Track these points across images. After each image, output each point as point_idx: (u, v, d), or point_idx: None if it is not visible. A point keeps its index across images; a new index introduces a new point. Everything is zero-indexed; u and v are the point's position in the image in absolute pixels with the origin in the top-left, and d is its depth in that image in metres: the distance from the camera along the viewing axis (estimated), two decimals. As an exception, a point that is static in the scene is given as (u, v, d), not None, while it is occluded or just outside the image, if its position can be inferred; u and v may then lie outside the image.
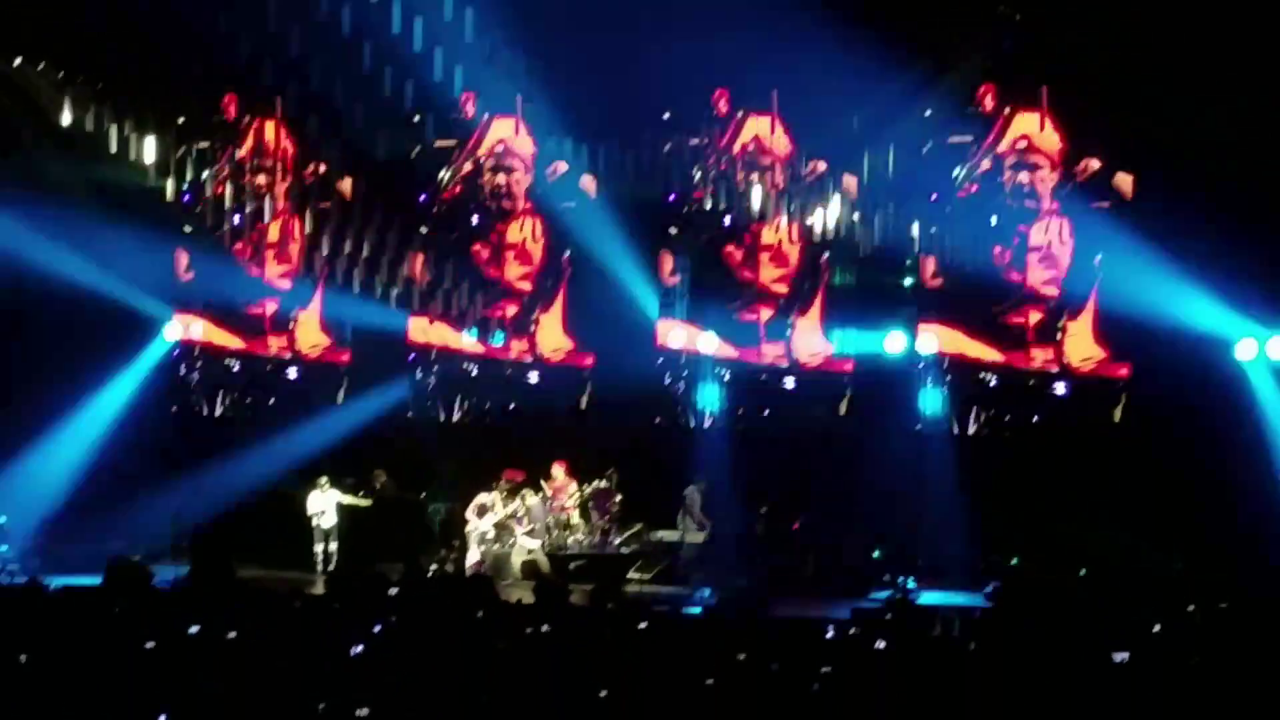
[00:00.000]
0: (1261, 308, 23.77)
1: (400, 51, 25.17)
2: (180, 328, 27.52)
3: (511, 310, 27.47)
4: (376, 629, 17.38)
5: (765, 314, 26.80)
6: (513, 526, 24.32)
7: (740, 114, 26.48)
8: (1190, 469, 23.38)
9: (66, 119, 26.33)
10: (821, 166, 26.05)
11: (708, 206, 26.43)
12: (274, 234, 26.62)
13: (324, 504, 24.53)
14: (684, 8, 24.53)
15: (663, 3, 24.59)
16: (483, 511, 24.53)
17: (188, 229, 27.59)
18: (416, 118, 26.44)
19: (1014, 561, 23.62)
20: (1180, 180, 24.04)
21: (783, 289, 26.76)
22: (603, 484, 24.66)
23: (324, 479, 24.99)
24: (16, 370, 26.13)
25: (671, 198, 26.52)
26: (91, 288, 26.64)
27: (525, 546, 24.07)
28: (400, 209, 26.91)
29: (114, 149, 25.95)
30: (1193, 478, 23.28)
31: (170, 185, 25.99)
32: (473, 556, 24.17)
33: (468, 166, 27.73)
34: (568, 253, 27.44)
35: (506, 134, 27.41)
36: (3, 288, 26.15)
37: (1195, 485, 23.19)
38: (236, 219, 26.42)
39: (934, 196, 25.87)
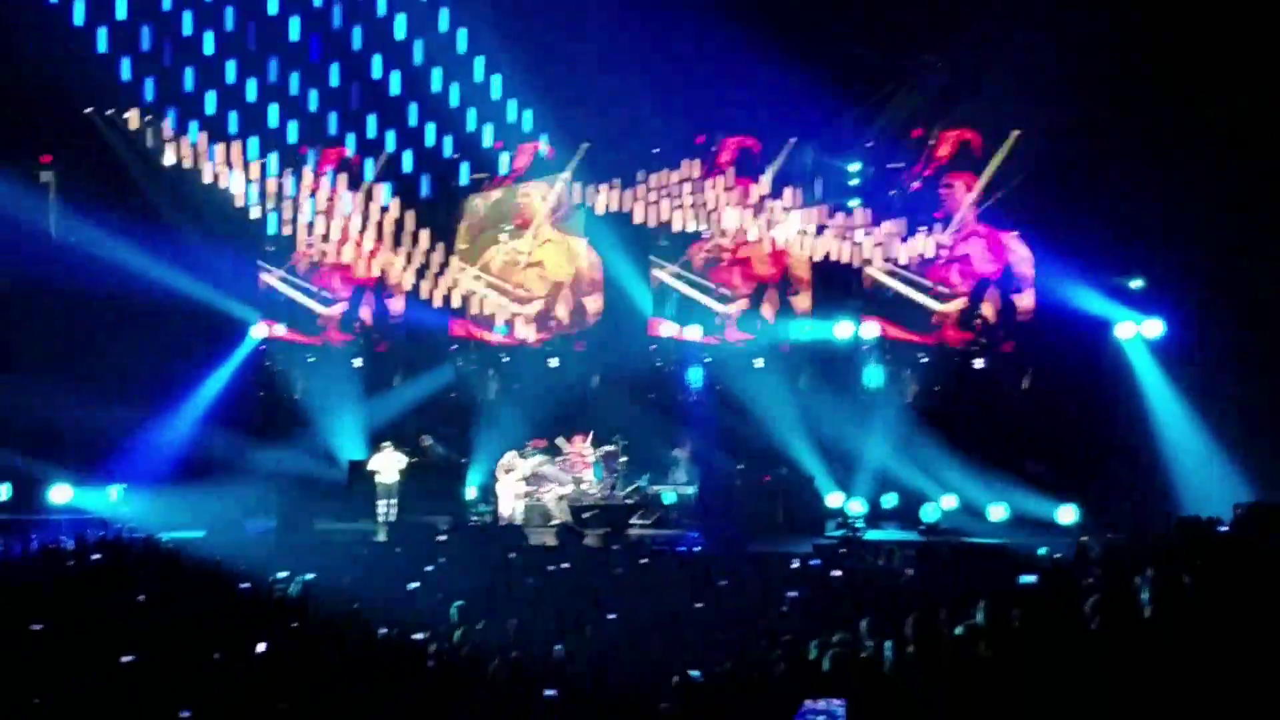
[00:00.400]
0: (1135, 299, 24.04)
1: (442, 106, 25.35)
2: (265, 328, 27.59)
3: (536, 308, 27.57)
4: (428, 569, 17.52)
5: (736, 309, 26.86)
6: (537, 484, 24.38)
7: (716, 149, 26.52)
8: (1082, 423, 23.64)
9: (170, 160, 26.34)
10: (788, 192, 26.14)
11: (691, 227, 26.40)
12: (345, 254, 26.57)
13: (386, 466, 24.54)
14: (673, 62, 24.65)
15: (654, 57, 24.67)
16: (509, 471, 24.60)
17: (271, 249, 27.64)
18: (456, 155, 26.47)
19: (939, 505, 23.72)
20: (1073, 202, 24.24)
21: (749, 289, 26.84)
22: (611, 447, 24.69)
23: (386, 445, 25.01)
24: (136, 364, 26.10)
25: (663, 218, 26.40)
26: (193, 296, 26.80)
27: (547, 500, 24.15)
28: (444, 232, 26.88)
29: (210, 183, 25.96)
30: (1083, 430, 23.53)
31: (256, 213, 25.93)
32: (505, 509, 24.21)
33: (496, 194, 27.83)
34: (582, 263, 27.54)
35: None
36: (126, 300, 26.27)
37: (1085, 436, 23.43)
38: (311, 241, 26.34)
39: (872, 212, 25.93)
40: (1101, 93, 23.18)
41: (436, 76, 25.02)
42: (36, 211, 28.21)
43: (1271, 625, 7.44)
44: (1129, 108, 23.63)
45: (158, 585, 17.32)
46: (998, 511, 23.17)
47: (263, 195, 26.00)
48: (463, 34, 24.46)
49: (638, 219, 26.77)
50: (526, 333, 27.57)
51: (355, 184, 26.48)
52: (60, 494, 24.34)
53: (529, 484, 24.46)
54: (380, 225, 25.96)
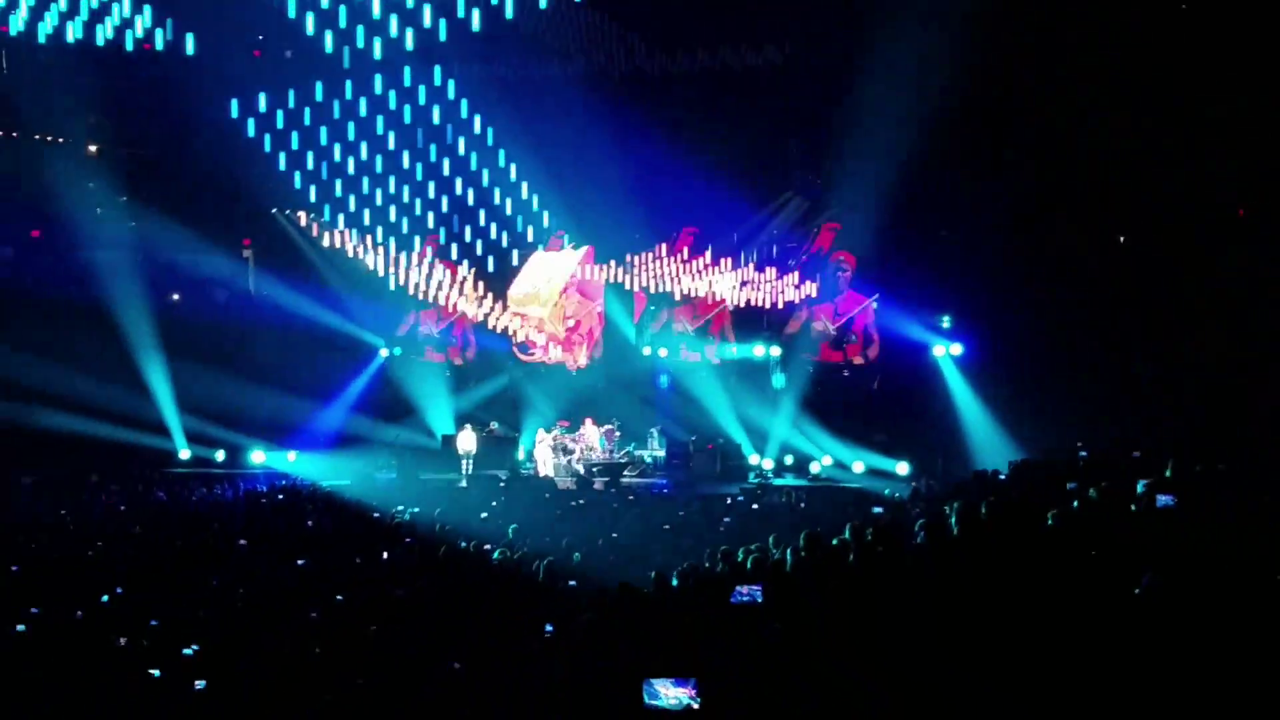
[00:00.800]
0: (944, 332, 24.12)
1: (501, 210, 25.54)
2: (386, 350, 27.58)
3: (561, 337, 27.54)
4: (493, 504, 17.50)
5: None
6: (562, 450, 24.32)
7: (676, 236, 26.52)
8: (910, 410, 23.70)
9: (326, 242, 26.28)
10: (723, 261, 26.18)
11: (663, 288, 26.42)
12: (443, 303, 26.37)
13: (466, 439, 24.44)
14: (650, 176, 24.68)
15: (639, 175, 24.71)
16: (543, 442, 24.58)
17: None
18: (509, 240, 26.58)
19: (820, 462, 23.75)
20: (905, 273, 24.35)
21: (699, 324, 26.84)
22: (610, 426, 24.66)
23: (466, 425, 24.92)
24: (308, 373, 26.02)
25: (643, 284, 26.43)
26: (342, 329, 26.82)
27: (569, 460, 24.09)
28: (500, 288, 26.76)
29: (353, 257, 25.91)
30: (912, 414, 23.57)
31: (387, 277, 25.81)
32: (541, 467, 24.15)
33: (534, 263, 27.76)
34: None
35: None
36: (300, 332, 26.26)
37: (913, 417, 23.50)
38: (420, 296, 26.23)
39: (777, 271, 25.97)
40: (921, 206, 23.33)
41: (498, 193, 25.42)
42: (241, 276, 28.24)
43: (1031, 536, 7.46)
44: (935, 216, 23.82)
45: (319, 515, 17.33)
46: (858, 466, 23.14)
47: (387, 265, 25.95)
48: (514, 167, 24.88)
49: (627, 286, 26.88)
50: (555, 353, 27.44)
51: (444, 257, 26.42)
52: (257, 457, 24.27)
53: (556, 450, 24.43)
54: (461, 284, 25.84)
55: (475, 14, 22.39)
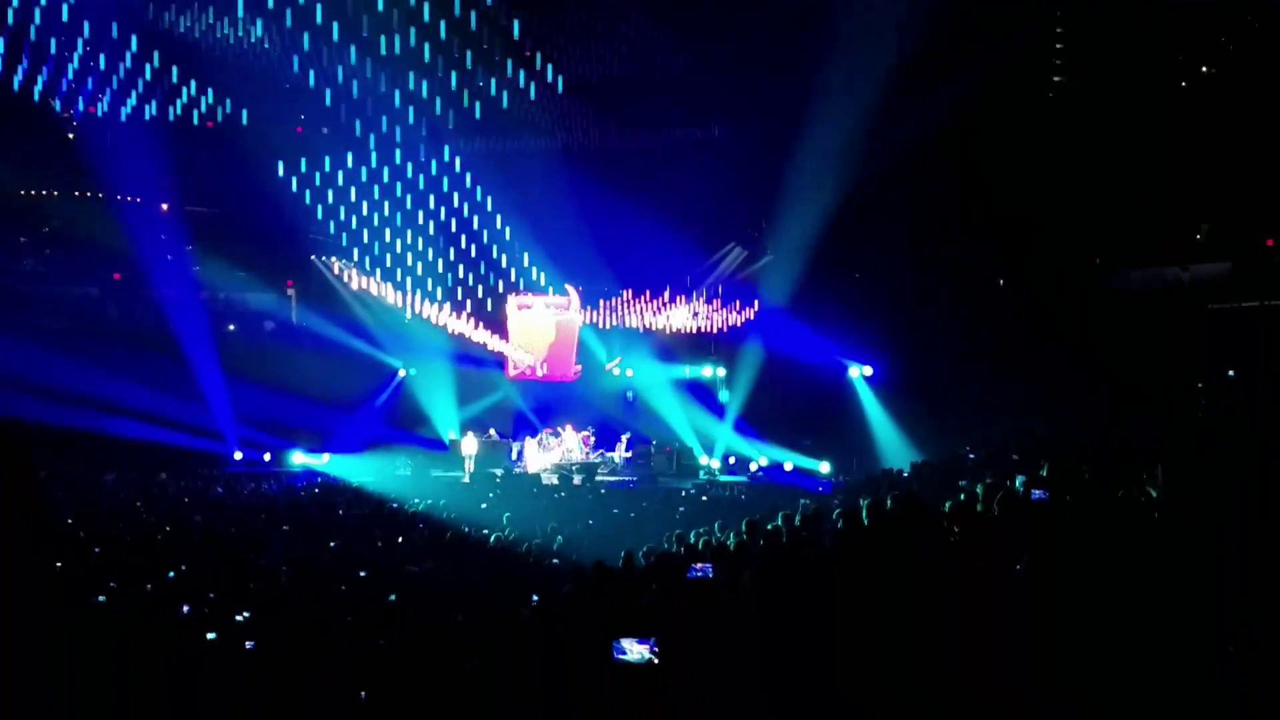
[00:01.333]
0: (858, 356, 24.16)
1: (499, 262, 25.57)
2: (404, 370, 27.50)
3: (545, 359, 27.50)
4: (490, 496, 17.43)
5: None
6: (547, 451, 24.28)
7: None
8: (831, 420, 23.72)
9: (356, 285, 26.28)
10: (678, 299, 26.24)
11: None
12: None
13: (469, 442, 24.34)
14: (619, 233, 24.74)
15: (611, 233, 24.79)
16: (530, 444, 24.57)
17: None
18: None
19: (758, 462, 23.82)
20: (828, 305, 24.41)
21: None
22: (586, 432, 24.64)
23: (469, 431, 24.87)
24: (342, 389, 26.06)
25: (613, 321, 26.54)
26: (369, 353, 26.80)
27: (552, 460, 24.05)
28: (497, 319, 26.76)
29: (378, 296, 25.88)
30: (833, 423, 23.60)
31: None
32: (530, 466, 24.10)
33: (527, 303, 27.72)
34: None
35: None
36: (335, 355, 26.22)
37: (834, 426, 23.51)
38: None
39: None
40: (838, 256, 23.44)
41: (494, 246, 25.50)
42: (285, 310, 28.15)
43: (927, 523, 7.47)
44: (849, 264, 23.94)
45: (348, 506, 17.24)
46: (788, 465, 23.19)
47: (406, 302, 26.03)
48: (507, 225, 24.93)
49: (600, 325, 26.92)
50: (542, 372, 27.41)
51: (450, 299, 26.50)
52: (297, 458, 24.16)
53: (543, 451, 24.38)
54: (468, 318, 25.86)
55: (477, 105, 22.68)
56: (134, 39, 23.33)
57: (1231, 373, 19.23)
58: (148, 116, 23.78)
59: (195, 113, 24.29)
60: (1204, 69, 23.15)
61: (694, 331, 26.46)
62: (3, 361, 20.82)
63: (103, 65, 23.25)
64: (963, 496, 9.02)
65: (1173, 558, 5.77)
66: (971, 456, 15.93)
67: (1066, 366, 20.31)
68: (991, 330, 21.97)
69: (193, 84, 23.90)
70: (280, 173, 25.28)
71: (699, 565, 6.30)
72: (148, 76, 23.44)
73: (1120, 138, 20.88)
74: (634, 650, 4.01)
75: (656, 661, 4.00)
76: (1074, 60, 22.52)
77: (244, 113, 24.33)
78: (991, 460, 14.76)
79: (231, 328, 27.09)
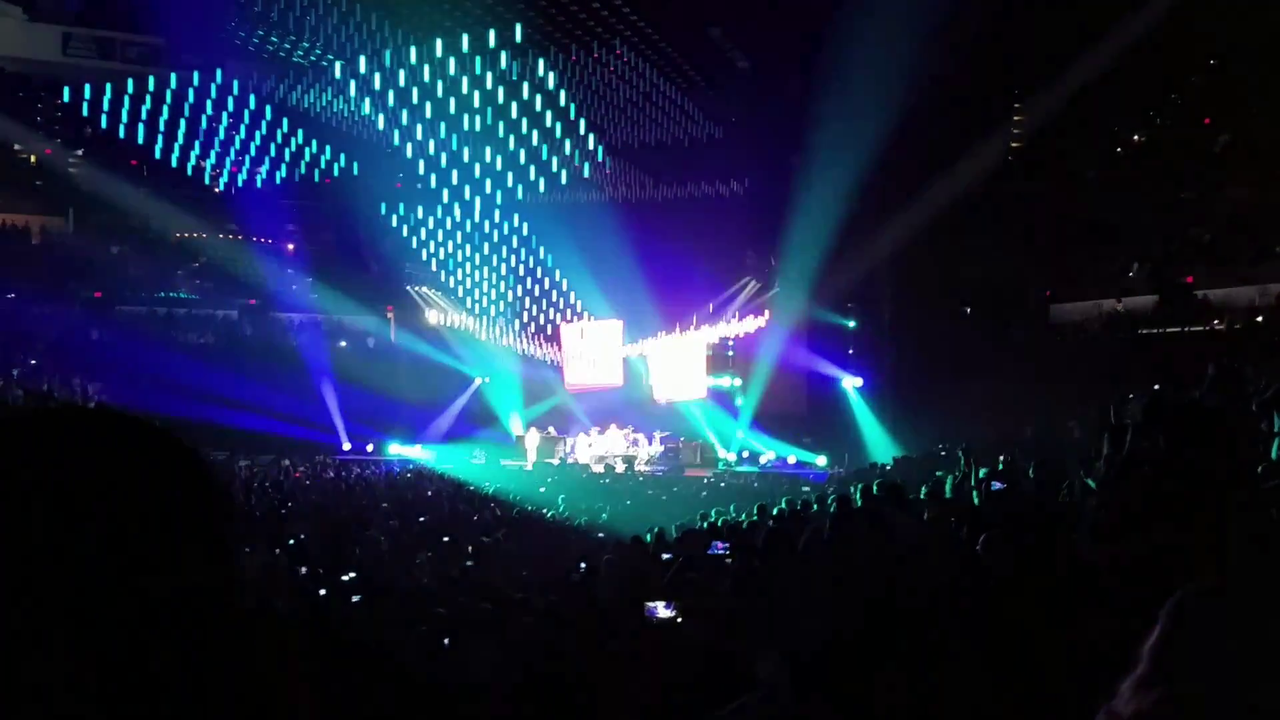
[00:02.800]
0: (849, 370, 23.97)
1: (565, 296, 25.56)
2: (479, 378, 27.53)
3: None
4: (549, 480, 17.38)
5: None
6: (595, 445, 24.21)
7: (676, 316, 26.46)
8: (827, 421, 23.49)
9: (441, 309, 26.42)
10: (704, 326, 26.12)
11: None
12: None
13: (531, 438, 24.31)
14: (659, 271, 24.73)
15: (652, 270, 24.77)
16: (580, 440, 24.48)
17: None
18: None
19: (769, 456, 23.69)
20: (826, 328, 24.28)
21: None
22: (626, 430, 24.47)
23: (532, 428, 24.86)
24: (429, 393, 26.10)
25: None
26: (450, 365, 26.87)
27: (598, 453, 23.96)
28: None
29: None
30: (829, 424, 23.36)
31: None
32: (581, 457, 24.01)
33: (582, 326, 27.68)
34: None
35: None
36: (427, 370, 26.32)
37: (829, 426, 23.24)
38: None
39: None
40: (835, 289, 23.28)
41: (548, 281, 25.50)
42: (385, 330, 28.34)
43: (906, 505, 7.39)
44: (845, 295, 23.80)
45: (437, 486, 17.29)
46: (792, 459, 23.02)
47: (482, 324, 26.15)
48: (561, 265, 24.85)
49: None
50: (592, 381, 27.41)
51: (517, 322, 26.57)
52: (394, 449, 24.26)
53: (591, 445, 24.33)
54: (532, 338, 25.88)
55: (541, 181, 23.00)
56: (268, 109, 23.77)
57: (1156, 386, 18.99)
58: (278, 180, 24.25)
59: (316, 171, 24.68)
60: (1135, 138, 23.12)
61: (714, 349, 26.29)
62: (163, 368, 21.09)
63: (242, 134, 23.69)
64: (930, 484, 8.94)
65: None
66: (943, 453, 15.75)
67: (1023, 379, 20.11)
68: (961, 349, 21.76)
69: (313, 144, 24.29)
70: (383, 209, 25.68)
71: (720, 544, 6.25)
72: (278, 140, 23.86)
73: (1067, 195, 20.91)
74: (660, 612, 4.01)
75: (678, 620, 3.99)
76: (1031, 131, 22.51)
77: (355, 165, 24.71)
78: (960, 456, 14.58)
79: (342, 343, 27.33)
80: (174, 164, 23.48)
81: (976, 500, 6.96)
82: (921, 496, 7.83)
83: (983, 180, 21.22)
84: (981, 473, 8.41)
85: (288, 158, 24.36)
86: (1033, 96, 21.95)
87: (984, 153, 21.46)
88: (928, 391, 21.16)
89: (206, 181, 24.35)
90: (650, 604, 4.07)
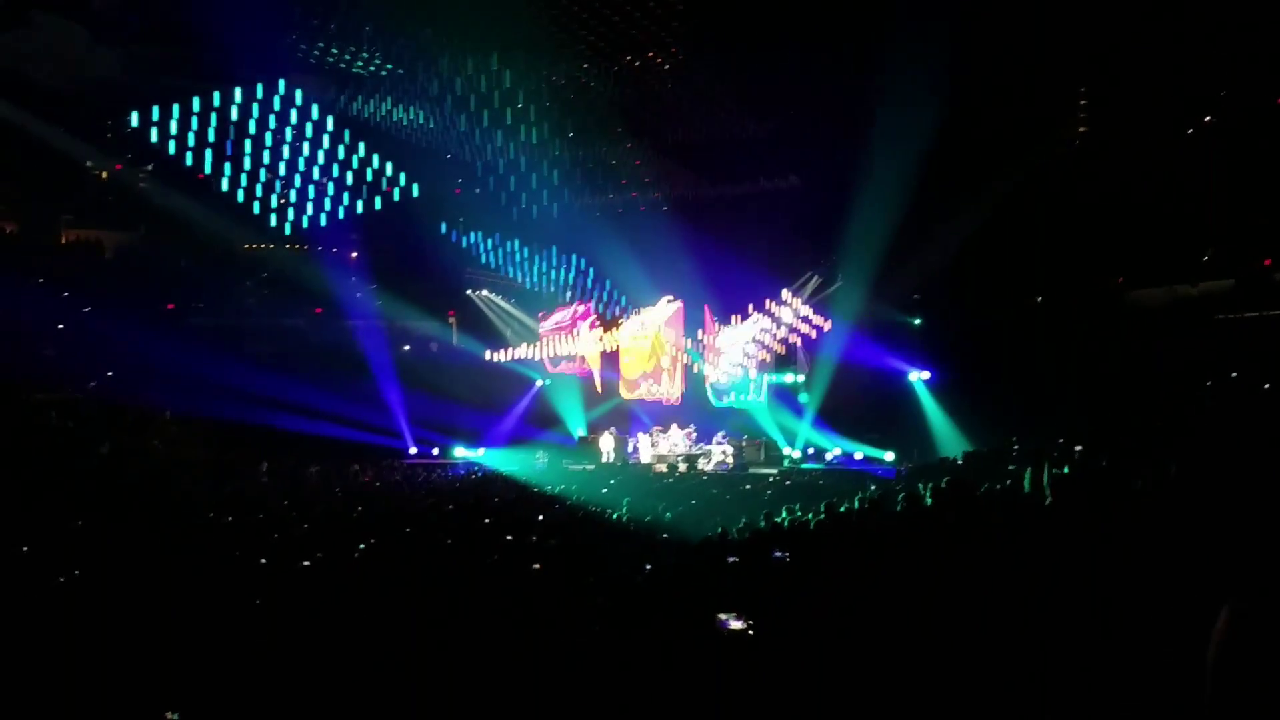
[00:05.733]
0: (916, 363, 23.60)
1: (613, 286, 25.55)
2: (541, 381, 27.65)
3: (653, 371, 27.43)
4: (611, 482, 17.38)
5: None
6: (658, 445, 24.22)
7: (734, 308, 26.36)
8: (894, 416, 23.18)
9: (502, 309, 26.57)
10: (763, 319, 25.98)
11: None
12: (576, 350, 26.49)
13: (607, 440, 24.42)
14: (718, 264, 24.64)
15: (710, 263, 24.69)
16: (642, 440, 24.49)
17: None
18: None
19: (833, 452, 23.43)
20: (891, 322, 23.97)
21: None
22: (689, 430, 24.45)
23: (607, 429, 24.93)
24: (494, 396, 26.44)
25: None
26: (512, 368, 27.04)
27: (661, 452, 23.97)
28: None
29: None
30: (896, 419, 23.06)
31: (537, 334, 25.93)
32: (643, 458, 24.06)
33: (637, 319, 27.70)
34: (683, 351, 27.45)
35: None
36: (488, 371, 26.55)
37: (897, 422, 22.95)
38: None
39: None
40: (899, 281, 22.95)
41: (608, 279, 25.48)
42: (448, 334, 28.67)
43: (975, 503, 7.24)
44: (908, 287, 23.46)
45: (502, 489, 17.40)
46: (858, 455, 22.82)
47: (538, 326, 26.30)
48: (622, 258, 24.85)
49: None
50: (654, 390, 27.38)
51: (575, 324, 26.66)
52: (459, 452, 24.54)
53: (654, 445, 24.33)
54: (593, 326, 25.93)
55: (596, 183, 23.12)
56: (329, 120, 24.18)
57: (1234, 374, 18.39)
58: (346, 202, 24.75)
59: (384, 181, 25.09)
60: (1206, 118, 22.46)
61: (778, 345, 26.13)
62: (233, 378, 21.55)
63: (306, 152, 24.16)
64: (1009, 481, 8.74)
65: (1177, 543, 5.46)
66: (1016, 447, 15.45)
67: (1094, 369, 19.67)
68: (1032, 340, 21.34)
69: (375, 159, 24.66)
70: (444, 228, 25.97)
71: (780, 552, 6.19)
72: (340, 156, 24.30)
73: (1137, 178, 20.38)
74: (734, 624, 3.97)
75: (750, 631, 3.95)
76: (1097, 112, 21.96)
77: (415, 185, 25.06)
78: (1031, 450, 14.29)
79: (406, 348, 27.72)
80: (243, 181, 24.01)
81: (1049, 497, 6.78)
82: (996, 488, 7.66)
83: (1050, 166, 20.80)
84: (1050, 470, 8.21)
85: (350, 179, 24.86)
86: (1097, 80, 21.43)
87: (1051, 138, 21.03)
88: (998, 384, 20.78)
89: (273, 209, 24.95)
90: (721, 616, 4.02)
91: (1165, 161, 20.67)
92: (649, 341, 27.02)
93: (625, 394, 27.11)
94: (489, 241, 27.03)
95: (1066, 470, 7.52)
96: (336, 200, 25.01)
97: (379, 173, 24.95)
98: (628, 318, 27.38)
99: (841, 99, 21.92)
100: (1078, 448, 13.16)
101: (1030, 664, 3.66)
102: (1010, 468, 10.95)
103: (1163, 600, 4.11)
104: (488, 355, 26.87)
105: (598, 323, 27.45)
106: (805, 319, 25.38)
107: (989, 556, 4.87)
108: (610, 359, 27.57)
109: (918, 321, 24.13)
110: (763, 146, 24.31)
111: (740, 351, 26.16)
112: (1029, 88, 20.67)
